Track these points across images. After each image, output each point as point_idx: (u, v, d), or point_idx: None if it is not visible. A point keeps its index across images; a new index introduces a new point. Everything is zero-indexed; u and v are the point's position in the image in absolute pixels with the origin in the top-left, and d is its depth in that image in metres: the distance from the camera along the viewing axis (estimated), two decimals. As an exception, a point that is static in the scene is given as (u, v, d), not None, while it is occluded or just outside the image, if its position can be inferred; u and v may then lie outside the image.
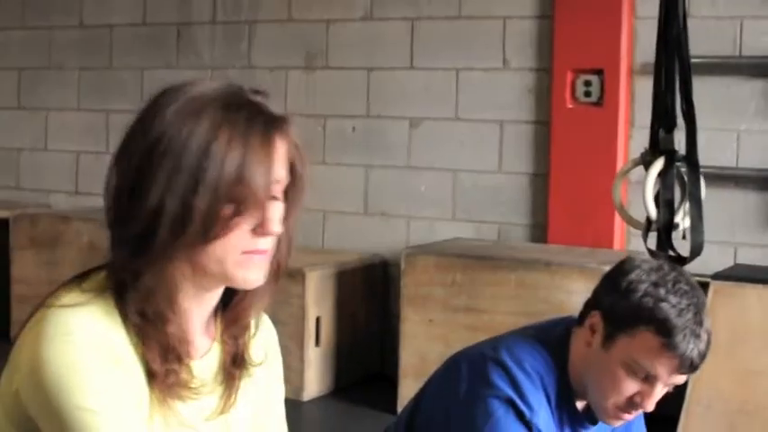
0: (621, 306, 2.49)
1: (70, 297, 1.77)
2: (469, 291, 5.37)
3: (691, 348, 2.42)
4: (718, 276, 5.01)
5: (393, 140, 6.39)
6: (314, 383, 5.76)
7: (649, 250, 4.36)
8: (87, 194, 7.41)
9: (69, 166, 7.54)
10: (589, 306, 2.61)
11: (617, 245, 5.75)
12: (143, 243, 1.73)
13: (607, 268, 5.00)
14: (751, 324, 4.90)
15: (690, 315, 2.44)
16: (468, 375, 2.62)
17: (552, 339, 2.65)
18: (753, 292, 4.85)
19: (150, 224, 1.72)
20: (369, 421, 5.35)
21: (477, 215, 6.22)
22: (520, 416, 2.51)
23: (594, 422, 2.68)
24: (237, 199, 1.73)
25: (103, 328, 1.74)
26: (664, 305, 2.43)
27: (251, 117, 1.77)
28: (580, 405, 2.67)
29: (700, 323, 2.45)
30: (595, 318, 2.55)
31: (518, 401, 2.52)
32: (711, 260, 5.18)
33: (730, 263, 5.49)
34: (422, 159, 6.33)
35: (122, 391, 1.73)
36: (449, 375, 2.70)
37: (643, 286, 2.47)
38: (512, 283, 5.27)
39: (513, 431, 2.50)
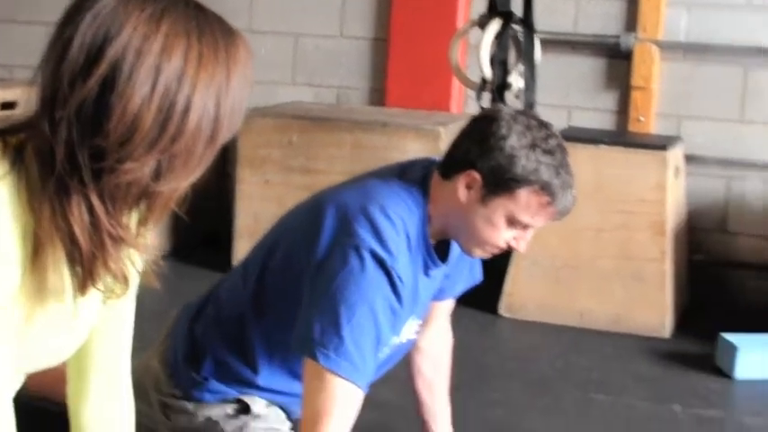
0: (505, 170, 2.60)
1: None
2: (306, 152, 5.35)
3: (568, 200, 2.66)
4: (549, 136, 5.07)
5: (235, 4, 6.28)
6: (150, 245, 5.69)
7: (483, 110, 4.41)
8: None
9: None
10: (460, 162, 2.69)
11: (454, 108, 5.78)
12: (123, 143, 1.68)
13: (442, 129, 5.12)
14: (579, 182, 4.93)
15: (564, 171, 2.63)
16: (334, 223, 2.65)
17: (413, 182, 2.74)
18: (584, 152, 4.92)
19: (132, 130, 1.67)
20: (205, 281, 5.28)
21: (317, 79, 6.18)
22: (380, 263, 2.57)
23: (444, 260, 2.81)
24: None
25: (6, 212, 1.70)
26: (543, 167, 2.59)
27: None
28: (433, 243, 2.77)
29: (571, 174, 2.66)
30: (471, 176, 2.64)
31: (379, 249, 2.57)
32: (545, 122, 5.26)
33: (564, 125, 5.56)
34: (263, 23, 6.25)
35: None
36: (313, 220, 2.72)
37: (523, 152, 2.60)
38: (348, 145, 5.26)
39: (371, 277, 2.56)
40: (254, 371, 2.85)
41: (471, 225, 2.67)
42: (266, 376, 2.85)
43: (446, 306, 3.19)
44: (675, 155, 5.13)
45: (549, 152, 2.61)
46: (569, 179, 2.65)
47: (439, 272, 2.83)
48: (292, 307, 2.68)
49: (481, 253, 2.75)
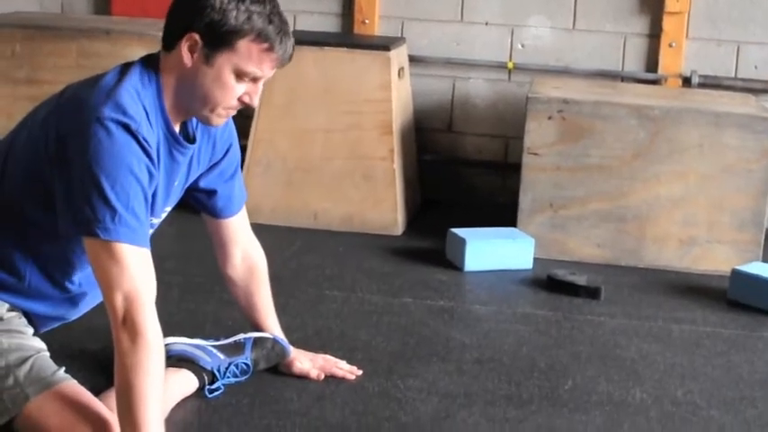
0: (220, 24, 2.66)
1: None
2: (30, 62, 5.23)
3: (288, 45, 2.73)
4: (275, 40, 5.09)
5: None
6: None
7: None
8: None
9: None
10: (177, 29, 2.72)
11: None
12: None
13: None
14: (306, 85, 5.03)
15: (276, 18, 2.70)
16: (67, 113, 2.66)
17: (137, 65, 2.78)
18: (308, 54, 4.97)
19: None
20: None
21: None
22: (125, 127, 2.60)
23: (192, 141, 2.89)
24: None
25: None
26: (255, 16, 2.66)
27: None
28: (176, 128, 2.83)
29: (285, 22, 2.73)
30: (191, 38, 2.68)
31: (121, 116, 2.60)
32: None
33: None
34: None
35: None
36: (44, 123, 2.71)
37: (233, 4, 2.66)
38: (73, 53, 5.18)
39: (120, 143, 2.59)
40: (17, 276, 2.84)
41: (201, 88, 2.73)
42: (29, 282, 2.85)
43: (237, 226, 3.25)
44: (399, 55, 5.22)
45: (258, 2, 2.69)
46: (284, 25, 2.72)
47: (185, 155, 2.88)
48: (42, 209, 2.71)
49: (217, 118, 2.79)
